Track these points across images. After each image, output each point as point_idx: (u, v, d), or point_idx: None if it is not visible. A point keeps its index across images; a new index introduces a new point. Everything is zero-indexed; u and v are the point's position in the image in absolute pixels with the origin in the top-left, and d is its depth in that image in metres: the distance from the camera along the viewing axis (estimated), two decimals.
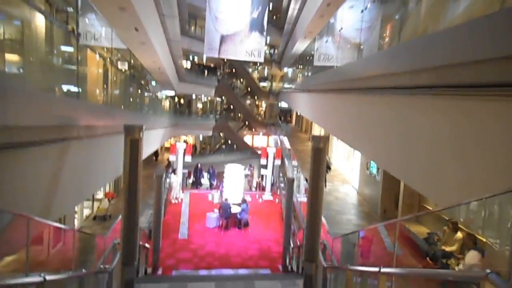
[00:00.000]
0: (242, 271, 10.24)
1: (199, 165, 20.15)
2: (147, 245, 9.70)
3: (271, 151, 18.81)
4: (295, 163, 18.19)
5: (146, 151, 13.90)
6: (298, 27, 20.39)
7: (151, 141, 14.44)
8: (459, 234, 7.30)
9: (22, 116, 3.75)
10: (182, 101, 36.37)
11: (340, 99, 9.37)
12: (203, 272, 9.99)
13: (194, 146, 35.75)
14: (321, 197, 5.29)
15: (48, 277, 2.87)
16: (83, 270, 4.71)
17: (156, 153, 31.72)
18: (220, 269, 10.37)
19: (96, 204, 15.41)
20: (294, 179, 10.48)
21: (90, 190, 7.39)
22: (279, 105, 40.30)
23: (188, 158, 18.01)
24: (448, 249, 7.23)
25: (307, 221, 5.36)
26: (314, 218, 5.34)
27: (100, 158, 7.05)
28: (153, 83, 22.64)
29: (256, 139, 39.24)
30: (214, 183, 20.28)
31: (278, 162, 18.76)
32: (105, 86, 9.10)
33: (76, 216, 13.17)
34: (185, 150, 17.49)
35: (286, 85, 26.06)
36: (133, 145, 4.66)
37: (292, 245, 10.48)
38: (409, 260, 7.73)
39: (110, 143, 7.23)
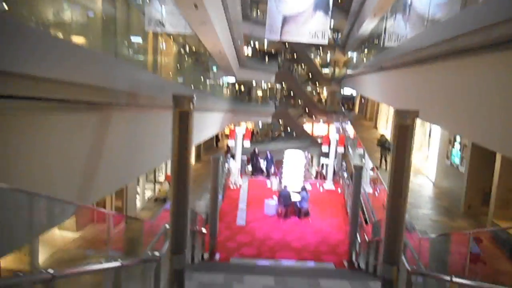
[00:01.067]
0: (303, 264, 9.51)
1: (256, 150, 19.46)
2: (204, 230, 9.38)
3: (334, 137, 17.63)
4: (360, 151, 16.87)
5: (205, 133, 13.68)
6: (366, 4, 18.72)
7: (210, 124, 14.19)
8: None
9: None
10: (242, 88, 36.23)
11: (418, 72, 8.07)
12: (261, 262, 9.45)
13: (253, 132, 35.55)
14: (406, 187, 4.31)
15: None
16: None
17: (217, 139, 32.05)
18: (279, 259, 9.74)
19: (157, 186, 15.67)
20: (362, 167, 9.40)
21: (136, 172, 7.06)
22: (341, 92, 38.37)
23: (247, 143, 17.58)
24: None
25: (387, 215, 4.42)
26: (396, 212, 4.38)
27: (151, 136, 6.72)
28: (214, 68, 22.56)
29: (316, 127, 37.89)
30: (272, 170, 19.26)
31: (341, 149, 17.58)
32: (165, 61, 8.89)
33: (138, 197, 13.42)
34: (243, 135, 17.04)
35: (350, 70, 24.41)
36: (183, 117, 4.09)
37: (359, 239, 9.47)
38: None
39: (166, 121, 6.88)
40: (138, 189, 13.49)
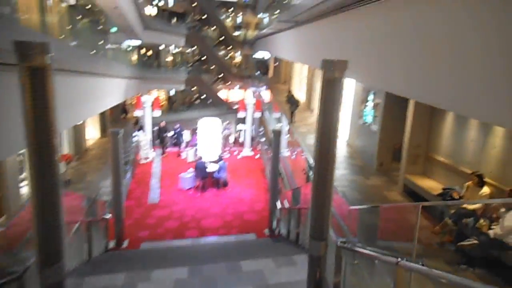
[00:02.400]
0: (223, 239, 8.88)
1: (161, 124, 16.60)
2: (107, 215, 8.06)
3: (250, 102, 17.02)
4: (277, 114, 16.58)
5: (105, 102, 11.81)
6: None
7: (110, 92, 12.29)
8: (486, 189, 6.05)
9: None
10: (150, 52, 33.27)
11: (337, 22, 7.58)
12: (177, 243, 8.56)
13: (170, 100, 33.40)
14: (333, 148, 3.71)
15: None
16: None
17: (124, 110, 29.31)
18: (197, 237, 8.96)
19: None
20: (281, 131, 8.89)
21: None
22: (254, 56, 37.87)
23: (157, 113, 16.01)
24: (471, 207, 5.97)
25: (313, 184, 3.81)
26: (323, 180, 3.79)
27: None
28: (114, 29, 19.80)
29: (232, 93, 37.15)
30: (182, 143, 17.14)
31: (258, 114, 17.10)
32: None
33: (24, 183, 11.23)
34: (153, 104, 15.41)
35: (263, 31, 23.64)
36: (35, 77, 2.82)
37: (279, 206, 9.12)
38: (424, 226, 6.49)
39: None
40: (24, 174, 11.27)
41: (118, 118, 28.12)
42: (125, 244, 8.32)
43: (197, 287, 4.25)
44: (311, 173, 8.54)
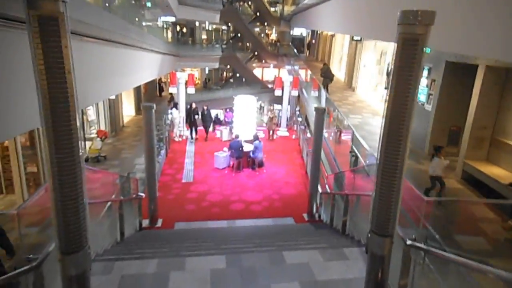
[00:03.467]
0: (260, 222, 8.40)
1: (193, 105, 15.43)
2: (141, 194, 7.79)
3: (287, 80, 16.20)
4: (315, 93, 15.69)
5: (140, 76, 11.50)
6: None
7: (145, 66, 11.95)
8: None
9: None
10: (184, 30, 32.90)
11: None
12: (212, 224, 8.18)
13: (206, 80, 33.14)
14: (406, 131, 2.97)
15: None
16: None
17: (160, 88, 29.37)
18: (233, 219, 8.54)
19: (88, 144, 13.44)
20: (325, 109, 8.12)
21: None
22: (291, 33, 36.52)
23: (191, 90, 15.60)
24: None
25: (378, 169, 3.10)
26: (392, 164, 3.06)
27: None
28: (149, 4, 19.45)
29: (267, 72, 36.29)
30: (210, 127, 15.74)
31: (295, 93, 16.28)
32: None
33: None
34: (187, 81, 15.00)
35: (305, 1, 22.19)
36: (45, 28, 2.28)
37: (320, 190, 8.48)
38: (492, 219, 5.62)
39: None
40: None
41: (153, 96, 28.24)
42: (159, 223, 8.05)
43: (237, 281, 3.77)
44: (353, 157, 7.80)
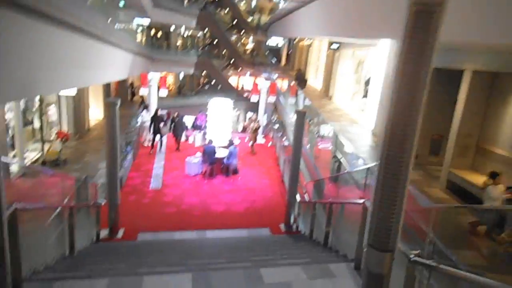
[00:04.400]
0: (234, 233, 7.72)
1: (158, 112, 14.05)
2: (101, 200, 6.93)
3: (264, 86, 15.75)
4: (292, 100, 15.29)
5: (106, 74, 10.61)
6: None
7: (115, 63, 11.07)
8: None
9: None
10: (159, 34, 32.03)
11: None
12: (179, 235, 7.42)
13: (179, 86, 32.30)
14: (413, 130, 2.42)
15: None
16: None
17: (132, 92, 28.29)
18: (203, 230, 7.80)
19: (46, 146, 12.31)
20: (305, 112, 7.61)
21: None
22: (267, 43, 36.53)
23: (164, 93, 14.82)
24: None
25: (378, 175, 2.54)
26: (395, 169, 2.51)
27: None
28: (122, 3, 18.55)
29: (243, 80, 35.81)
30: (182, 135, 13.95)
31: (272, 99, 15.83)
32: None
33: (15, 159, 10.16)
34: (159, 82, 14.20)
35: (281, 8, 21.83)
36: None
37: (299, 198, 7.91)
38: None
39: None
40: (16, 151, 10.24)
41: (124, 100, 26.97)
42: (120, 233, 7.20)
43: None
44: (336, 163, 7.32)
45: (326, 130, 9.51)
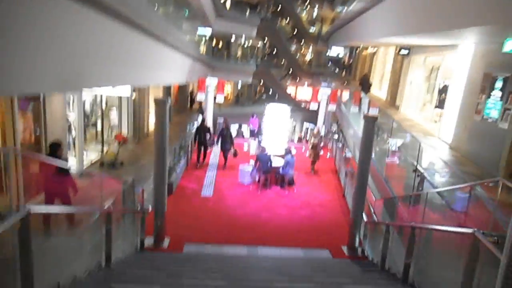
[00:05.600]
0: (288, 252, 6.83)
1: (205, 121, 12.97)
2: (147, 206, 6.50)
3: (324, 93, 14.77)
4: (355, 109, 14.12)
5: (164, 75, 10.44)
6: None
7: (173, 66, 10.90)
8: None
9: None
10: (220, 45, 32.54)
11: None
12: (229, 250, 6.72)
13: (237, 95, 32.49)
14: None
15: None
16: None
17: (191, 100, 28.91)
18: (254, 245, 7.02)
19: (106, 148, 12.49)
20: (377, 117, 6.54)
21: None
22: (327, 54, 35.43)
23: (221, 98, 14.51)
24: None
25: None
26: None
27: None
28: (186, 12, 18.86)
29: (300, 91, 34.99)
30: (230, 149, 12.09)
31: (332, 107, 14.78)
32: None
33: (74, 159, 10.31)
34: (216, 87, 13.90)
35: (344, 14, 20.65)
36: None
37: (364, 219, 6.82)
38: None
39: None
40: (74, 151, 10.39)
41: (183, 107, 27.58)
42: (165, 243, 6.68)
43: None
44: (419, 177, 6.13)
45: (398, 140, 8.31)
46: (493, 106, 8.13)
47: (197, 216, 8.30)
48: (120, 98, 13.48)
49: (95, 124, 12.65)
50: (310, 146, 12.08)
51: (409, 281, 4.25)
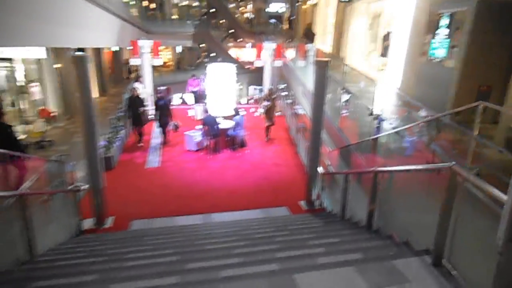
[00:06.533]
0: (246, 214, 6.45)
1: (135, 91, 10.36)
2: (81, 185, 5.66)
3: (269, 48, 14.15)
4: (302, 63, 13.74)
5: (90, 36, 9.13)
6: None
7: (101, 27, 9.54)
8: None
9: None
10: (153, 6, 30.16)
11: None
12: (181, 220, 6.17)
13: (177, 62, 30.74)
14: None
15: None
16: None
17: (129, 69, 27.04)
18: (209, 213, 6.54)
19: (28, 127, 10.98)
20: (328, 61, 6.08)
21: None
22: (267, 10, 34.47)
23: (159, 61, 13.31)
24: None
25: None
26: None
27: None
28: None
29: (243, 53, 33.94)
30: (168, 122, 10.57)
31: (278, 63, 14.25)
32: None
33: None
34: (152, 49, 12.66)
35: None
36: None
37: (321, 171, 6.56)
38: None
39: None
40: None
41: (120, 77, 25.58)
42: (109, 223, 5.95)
43: None
44: (375, 121, 5.90)
45: (351, 86, 8.05)
46: (440, 46, 8.08)
47: (143, 191, 7.57)
48: (42, 71, 11.78)
49: (13, 105, 10.89)
50: (263, 111, 11.38)
51: (373, 228, 4.02)
